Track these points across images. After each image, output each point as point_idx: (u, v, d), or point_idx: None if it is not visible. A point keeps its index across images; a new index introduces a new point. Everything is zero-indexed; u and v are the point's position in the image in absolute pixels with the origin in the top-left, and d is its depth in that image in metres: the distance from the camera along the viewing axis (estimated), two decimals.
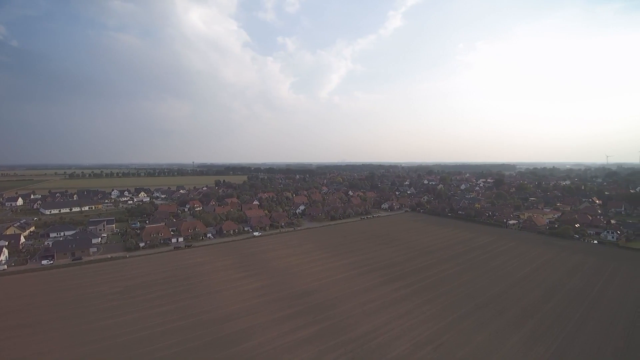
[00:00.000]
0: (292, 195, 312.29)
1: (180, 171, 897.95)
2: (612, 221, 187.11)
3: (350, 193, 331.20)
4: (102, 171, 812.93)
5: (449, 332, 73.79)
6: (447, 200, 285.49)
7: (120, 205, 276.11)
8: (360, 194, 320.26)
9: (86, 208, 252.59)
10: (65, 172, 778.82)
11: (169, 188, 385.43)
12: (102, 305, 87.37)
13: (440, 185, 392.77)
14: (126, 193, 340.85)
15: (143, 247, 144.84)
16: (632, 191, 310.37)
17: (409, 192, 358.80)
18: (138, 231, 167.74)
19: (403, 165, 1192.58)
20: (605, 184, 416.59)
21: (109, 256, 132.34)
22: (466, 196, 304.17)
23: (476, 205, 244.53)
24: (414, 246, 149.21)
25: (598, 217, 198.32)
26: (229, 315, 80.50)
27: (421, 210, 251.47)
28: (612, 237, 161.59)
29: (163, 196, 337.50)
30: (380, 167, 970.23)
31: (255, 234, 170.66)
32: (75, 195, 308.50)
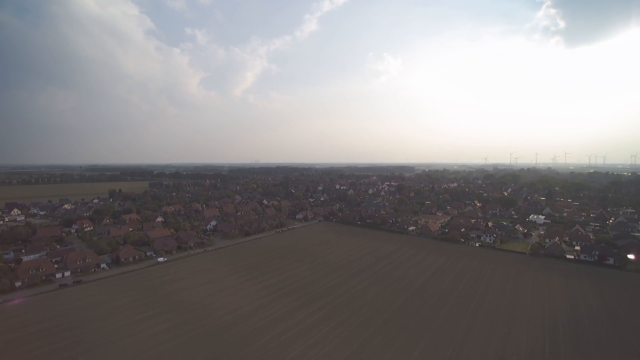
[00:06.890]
0: (202, 207, 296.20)
1: (64, 176, 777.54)
2: (489, 224, 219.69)
3: (265, 202, 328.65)
4: None
5: (361, 354, 78.43)
6: (356, 207, 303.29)
7: None
8: (275, 203, 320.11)
9: None
10: None
11: (49, 201, 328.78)
12: None
13: (351, 191, 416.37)
14: None
15: (20, 288, 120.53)
16: (505, 194, 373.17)
17: (322, 198, 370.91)
18: (12, 265, 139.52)
19: (317, 167, 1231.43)
20: (484, 185, 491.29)
21: None
22: (373, 202, 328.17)
23: (382, 212, 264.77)
24: (328, 261, 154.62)
25: (479, 220, 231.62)
26: None
27: (334, 220, 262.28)
28: (490, 240, 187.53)
29: (42, 213, 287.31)
30: (294, 169, 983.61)
31: (160, 259, 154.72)
32: None
